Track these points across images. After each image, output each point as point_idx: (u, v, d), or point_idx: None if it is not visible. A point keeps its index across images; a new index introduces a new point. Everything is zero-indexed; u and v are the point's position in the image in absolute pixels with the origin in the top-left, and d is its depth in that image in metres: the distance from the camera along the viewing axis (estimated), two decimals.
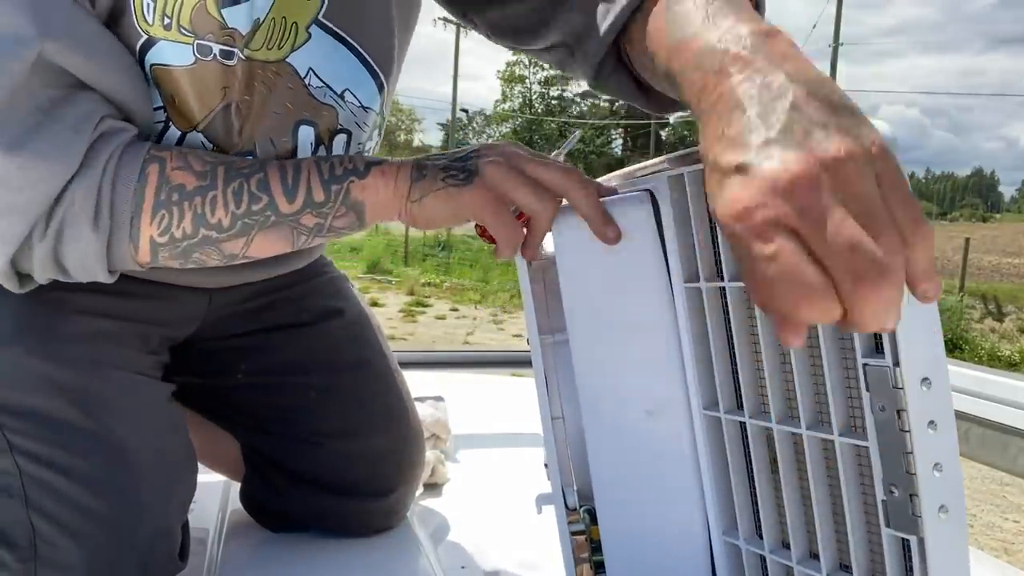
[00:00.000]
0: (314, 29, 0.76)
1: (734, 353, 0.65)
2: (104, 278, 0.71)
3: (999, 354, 8.51)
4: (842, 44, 24.47)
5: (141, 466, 0.78)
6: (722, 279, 0.64)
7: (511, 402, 1.62)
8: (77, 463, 0.74)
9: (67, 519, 0.74)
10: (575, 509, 0.73)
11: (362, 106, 0.83)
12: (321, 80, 0.79)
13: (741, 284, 0.62)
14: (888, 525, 0.53)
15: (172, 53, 0.70)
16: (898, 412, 0.51)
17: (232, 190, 0.68)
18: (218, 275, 0.87)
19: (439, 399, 1.36)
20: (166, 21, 0.69)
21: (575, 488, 0.73)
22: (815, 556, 0.61)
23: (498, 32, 0.81)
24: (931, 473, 0.50)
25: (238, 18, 0.71)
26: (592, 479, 0.72)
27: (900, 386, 0.50)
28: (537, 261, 0.72)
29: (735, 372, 0.65)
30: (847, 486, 0.56)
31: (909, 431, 0.50)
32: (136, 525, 0.77)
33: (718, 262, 0.64)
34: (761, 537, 0.65)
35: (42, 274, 0.70)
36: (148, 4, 0.68)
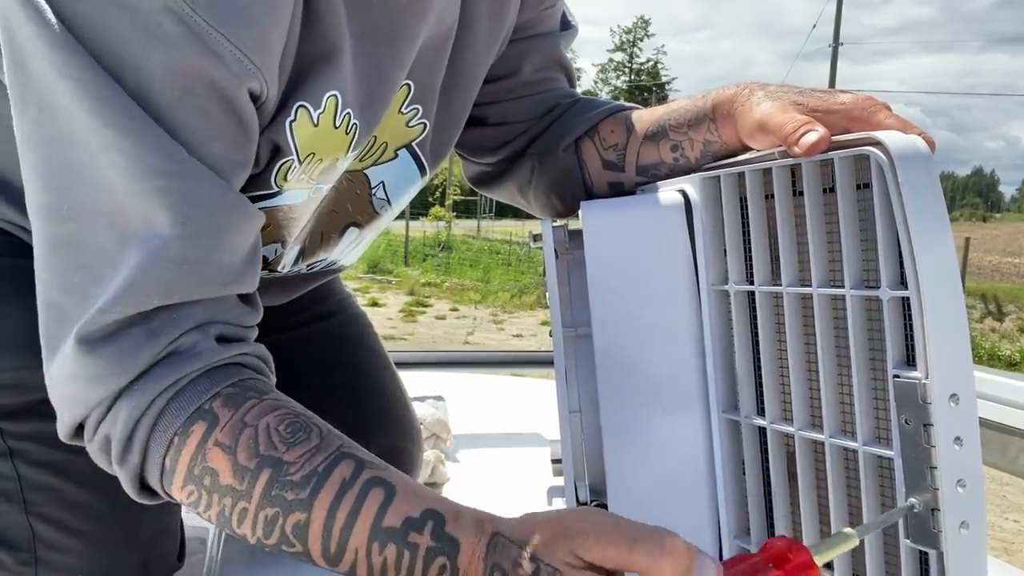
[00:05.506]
0: (402, 152, 0.78)
1: (759, 358, 0.64)
2: (140, 499, 0.60)
3: (999, 354, 8.51)
4: (842, 44, 24.51)
5: None
6: (751, 283, 0.63)
7: (511, 402, 1.61)
8: (76, 465, 0.73)
9: (67, 521, 0.73)
10: (586, 503, 0.73)
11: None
12: (385, 194, 0.82)
13: (770, 288, 0.62)
14: (908, 537, 0.53)
15: (292, 196, 0.70)
16: (925, 426, 0.50)
17: (265, 516, 0.53)
18: None
19: (439, 399, 1.35)
20: (301, 178, 0.68)
21: (587, 482, 0.73)
22: (828, 566, 0.60)
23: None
24: (955, 489, 0.50)
25: (349, 161, 0.72)
26: (606, 474, 0.72)
27: (929, 401, 0.50)
28: (564, 255, 0.72)
29: (758, 377, 0.64)
30: (867, 496, 0.56)
31: (935, 446, 0.50)
32: (137, 525, 0.76)
33: (748, 265, 0.64)
34: None
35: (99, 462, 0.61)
36: (295, 167, 0.65)
